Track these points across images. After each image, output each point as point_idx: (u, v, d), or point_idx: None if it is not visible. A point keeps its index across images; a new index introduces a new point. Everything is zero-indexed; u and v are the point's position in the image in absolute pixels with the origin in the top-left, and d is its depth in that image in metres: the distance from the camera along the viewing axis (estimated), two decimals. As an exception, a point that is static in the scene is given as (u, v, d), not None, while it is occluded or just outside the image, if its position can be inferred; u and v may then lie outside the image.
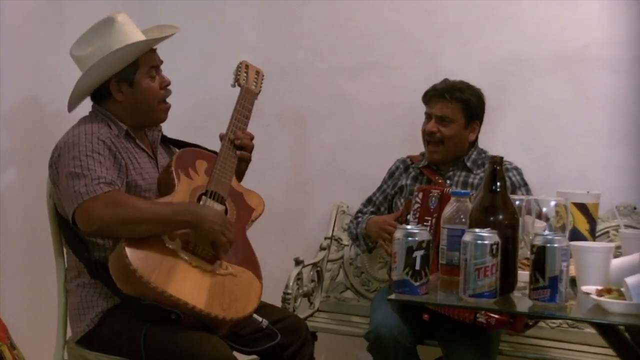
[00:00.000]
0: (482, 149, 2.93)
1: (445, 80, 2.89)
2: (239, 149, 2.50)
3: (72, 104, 2.45)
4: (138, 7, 3.27)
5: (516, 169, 2.85)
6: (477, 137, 2.91)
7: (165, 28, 2.51)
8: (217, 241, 2.27)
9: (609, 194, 2.81)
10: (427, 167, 2.92)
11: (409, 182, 2.92)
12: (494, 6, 3.23)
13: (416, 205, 2.41)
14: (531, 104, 3.19)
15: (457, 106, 2.82)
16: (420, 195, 2.43)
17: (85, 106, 2.46)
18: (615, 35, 3.06)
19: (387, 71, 3.38)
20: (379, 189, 3.04)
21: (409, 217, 2.51)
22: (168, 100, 2.46)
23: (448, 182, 2.83)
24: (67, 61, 2.41)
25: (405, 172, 2.98)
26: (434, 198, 2.40)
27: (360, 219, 2.97)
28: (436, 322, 2.52)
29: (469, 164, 2.87)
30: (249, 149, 2.53)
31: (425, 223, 2.34)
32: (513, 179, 2.80)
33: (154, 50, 2.44)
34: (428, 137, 2.86)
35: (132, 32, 2.39)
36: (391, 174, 3.03)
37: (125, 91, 2.37)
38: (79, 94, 2.41)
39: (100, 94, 2.40)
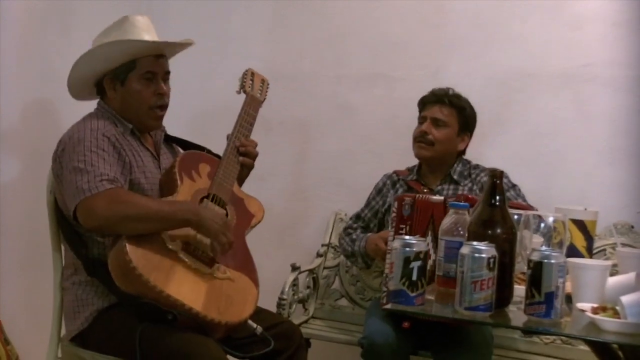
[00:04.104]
0: (466, 160, 2.95)
1: (442, 88, 2.91)
2: (242, 155, 2.51)
3: (71, 89, 2.46)
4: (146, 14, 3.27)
5: None
6: (465, 149, 2.93)
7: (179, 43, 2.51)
8: (217, 241, 2.27)
9: (607, 212, 2.81)
10: (415, 181, 2.93)
11: None
12: (499, 23, 3.25)
13: (393, 214, 2.40)
14: (533, 120, 3.21)
15: (453, 112, 2.86)
16: (396, 204, 2.41)
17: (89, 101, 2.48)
18: (618, 55, 3.07)
19: (391, 83, 3.40)
20: (367, 205, 3.03)
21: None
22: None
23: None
24: (72, 61, 2.42)
25: (392, 188, 2.97)
26: (407, 205, 2.36)
27: (354, 236, 2.95)
28: (429, 333, 2.53)
29: (455, 177, 2.88)
30: (253, 156, 2.55)
31: (400, 231, 2.32)
32: None
33: (159, 57, 2.42)
34: (420, 137, 2.87)
35: (138, 33, 2.39)
36: (379, 191, 3.02)
37: (117, 89, 2.39)
38: (74, 80, 2.42)
39: (99, 89, 2.43)
